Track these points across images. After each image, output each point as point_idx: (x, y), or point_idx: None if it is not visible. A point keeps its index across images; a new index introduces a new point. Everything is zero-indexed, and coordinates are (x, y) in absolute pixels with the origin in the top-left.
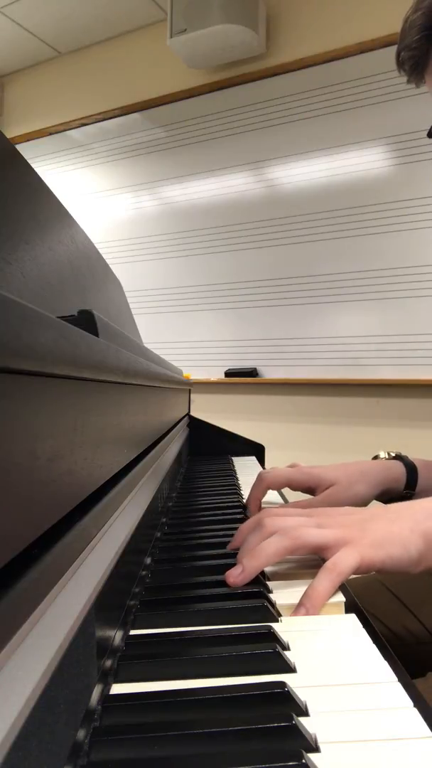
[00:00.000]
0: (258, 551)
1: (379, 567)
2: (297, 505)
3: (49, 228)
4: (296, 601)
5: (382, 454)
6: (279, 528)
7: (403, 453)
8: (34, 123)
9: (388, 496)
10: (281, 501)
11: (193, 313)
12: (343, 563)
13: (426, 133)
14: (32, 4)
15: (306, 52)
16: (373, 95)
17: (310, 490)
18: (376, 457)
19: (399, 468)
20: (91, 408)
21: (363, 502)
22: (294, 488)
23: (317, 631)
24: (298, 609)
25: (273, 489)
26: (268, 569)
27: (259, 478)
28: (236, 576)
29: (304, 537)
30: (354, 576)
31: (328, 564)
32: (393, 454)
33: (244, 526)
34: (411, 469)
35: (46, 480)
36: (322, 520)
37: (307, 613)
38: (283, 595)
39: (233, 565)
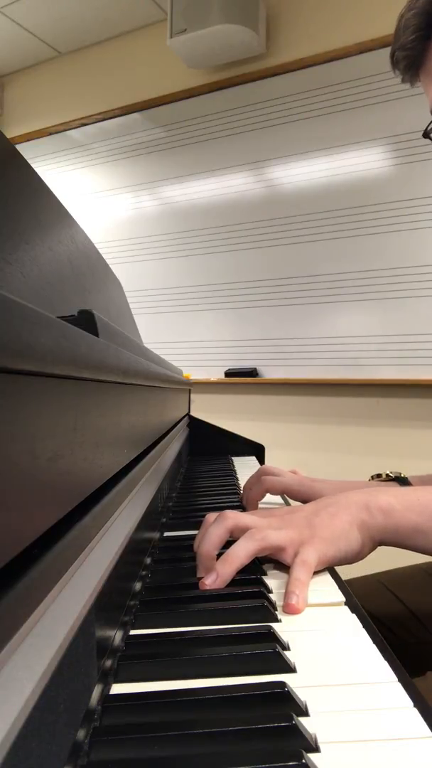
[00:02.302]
0: (231, 557)
1: (331, 561)
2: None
3: (49, 228)
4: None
5: (383, 475)
6: (241, 523)
7: (403, 454)
8: (34, 123)
9: None
10: (282, 502)
11: (193, 313)
12: (310, 560)
13: (422, 133)
14: (32, 4)
15: (306, 52)
16: (373, 95)
17: (306, 502)
18: (376, 476)
19: None
20: (91, 408)
21: None
22: (291, 497)
23: (317, 631)
24: (289, 596)
25: (271, 494)
26: (268, 570)
27: (260, 479)
28: (212, 582)
29: (268, 539)
30: (354, 576)
31: (297, 560)
32: (393, 476)
33: (209, 517)
34: None
35: (46, 480)
36: (272, 521)
37: (298, 600)
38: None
39: None
